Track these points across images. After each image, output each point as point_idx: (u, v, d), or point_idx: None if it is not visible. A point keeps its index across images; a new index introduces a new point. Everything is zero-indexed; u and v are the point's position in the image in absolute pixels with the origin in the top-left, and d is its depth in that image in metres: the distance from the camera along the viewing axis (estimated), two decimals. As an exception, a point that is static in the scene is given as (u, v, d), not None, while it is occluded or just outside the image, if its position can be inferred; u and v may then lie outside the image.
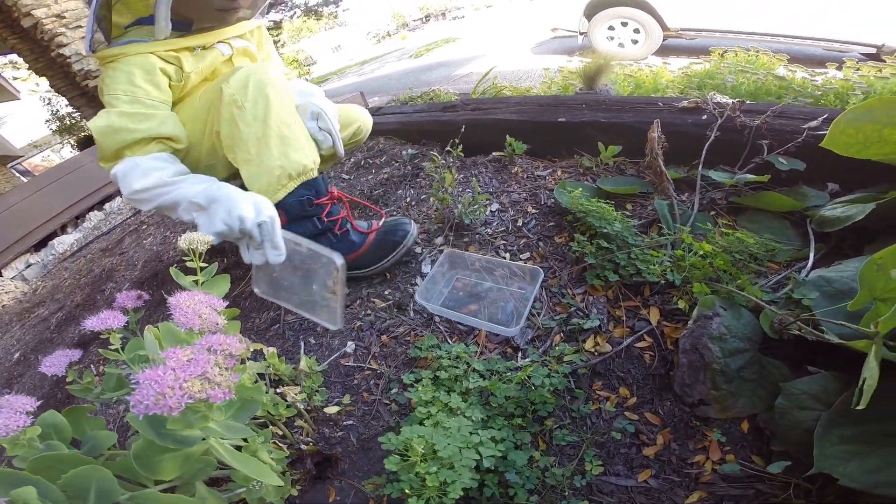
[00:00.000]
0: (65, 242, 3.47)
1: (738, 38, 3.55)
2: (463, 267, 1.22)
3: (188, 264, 0.72)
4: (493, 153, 1.71)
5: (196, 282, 0.73)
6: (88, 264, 2.65)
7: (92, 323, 0.61)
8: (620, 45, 4.33)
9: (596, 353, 0.94)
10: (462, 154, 1.56)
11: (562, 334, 1.00)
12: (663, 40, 4.10)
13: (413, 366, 1.03)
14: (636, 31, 4.24)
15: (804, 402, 0.71)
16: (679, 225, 1.04)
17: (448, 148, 1.55)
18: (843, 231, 0.88)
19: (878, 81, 1.61)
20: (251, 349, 1.04)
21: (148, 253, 2.27)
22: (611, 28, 4.39)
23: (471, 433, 0.75)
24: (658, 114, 1.39)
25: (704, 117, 1.28)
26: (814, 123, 1.11)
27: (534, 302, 1.06)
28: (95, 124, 1.03)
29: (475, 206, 1.35)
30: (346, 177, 2.02)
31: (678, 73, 2.18)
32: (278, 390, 0.97)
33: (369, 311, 1.20)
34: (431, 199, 1.56)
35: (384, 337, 1.12)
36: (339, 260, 0.89)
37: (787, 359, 0.80)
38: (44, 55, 4.40)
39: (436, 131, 1.97)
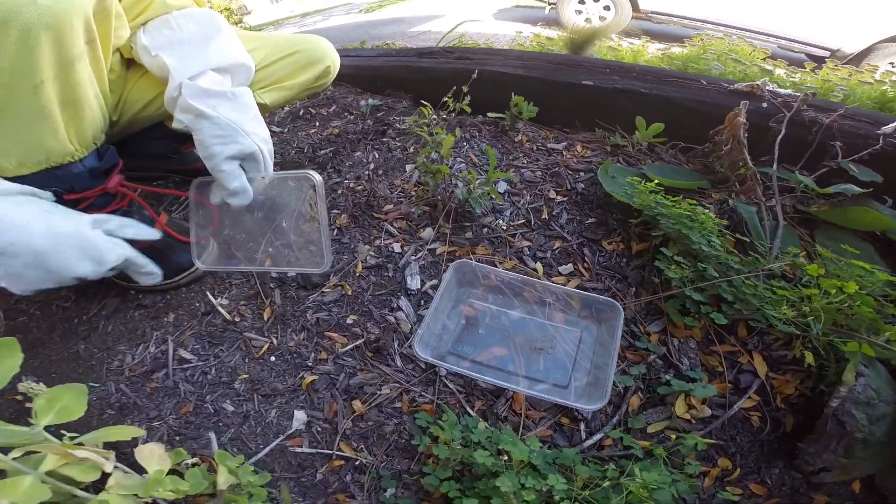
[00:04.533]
0: None
1: (704, 26, 3.56)
2: (476, 285, 0.88)
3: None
4: (489, 114, 1.34)
5: None
6: None
7: None
8: (587, 20, 4.16)
9: (693, 421, 0.71)
10: (456, 112, 1.18)
11: (639, 393, 0.75)
12: (630, 20, 3.99)
13: (415, 458, 0.70)
14: (606, 7, 4.09)
15: None
16: (778, 243, 0.84)
17: (447, 98, 1.15)
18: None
19: (859, 86, 1.60)
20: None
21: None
22: (581, 2, 4.18)
23: None
24: (705, 92, 1.16)
25: (765, 105, 1.08)
26: (889, 129, 0.97)
27: (597, 348, 0.79)
28: None
29: (486, 188, 0.99)
30: (277, 129, 1.48)
31: (657, 55, 2.00)
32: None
33: (324, 356, 0.81)
34: (413, 169, 1.16)
35: (357, 402, 0.75)
36: (316, 178, 0.76)
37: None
38: None
39: (407, 80, 1.52)
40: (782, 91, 1.11)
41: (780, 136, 0.99)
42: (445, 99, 1.15)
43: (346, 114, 1.49)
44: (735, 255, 0.79)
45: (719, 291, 0.74)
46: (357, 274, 0.93)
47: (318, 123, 1.47)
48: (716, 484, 0.67)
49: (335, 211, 1.07)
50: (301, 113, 1.54)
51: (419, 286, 0.89)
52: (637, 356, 0.78)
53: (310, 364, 0.80)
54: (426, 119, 1.17)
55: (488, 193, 0.99)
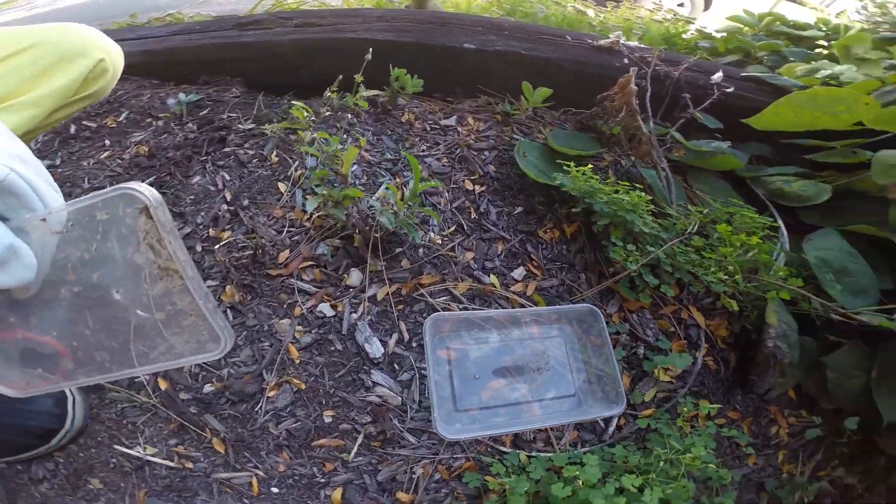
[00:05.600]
0: None
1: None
2: (457, 336, 0.77)
3: None
4: (363, 93, 1.11)
5: None
6: None
7: None
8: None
9: (672, 381, 0.81)
10: (358, 102, 0.95)
11: (626, 373, 0.81)
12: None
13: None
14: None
15: (851, 372, 0.81)
16: (684, 205, 0.94)
17: (331, 91, 0.90)
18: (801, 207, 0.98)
19: (654, 24, 1.85)
20: None
21: None
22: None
23: None
24: (576, 51, 1.16)
25: (626, 61, 1.14)
26: (717, 78, 1.15)
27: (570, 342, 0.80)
28: None
29: (413, 204, 0.84)
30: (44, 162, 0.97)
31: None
32: None
33: (332, 466, 0.65)
34: (293, 188, 0.90)
35: (401, 494, 0.64)
36: (144, 192, 0.37)
37: (806, 334, 0.89)
38: None
39: (230, 61, 1.14)
40: (632, 44, 1.20)
41: (649, 94, 1.08)
42: (329, 93, 0.90)
43: (148, 120, 1.05)
44: (658, 222, 0.87)
45: (660, 263, 0.81)
46: (297, 361, 0.72)
47: (107, 142, 1.01)
48: (706, 421, 0.80)
49: (210, 283, 0.78)
50: (73, 131, 1.03)
51: (382, 349, 0.75)
52: (612, 339, 0.83)
53: (323, 480, 0.63)
54: (300, 118, 0.90)
55: (415, 211, 0.84)
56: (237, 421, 0.66)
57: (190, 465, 0.63)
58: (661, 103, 1.15)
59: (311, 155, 0.95)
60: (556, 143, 1.01)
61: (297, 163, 0.97)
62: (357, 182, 0.95)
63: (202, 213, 0.85)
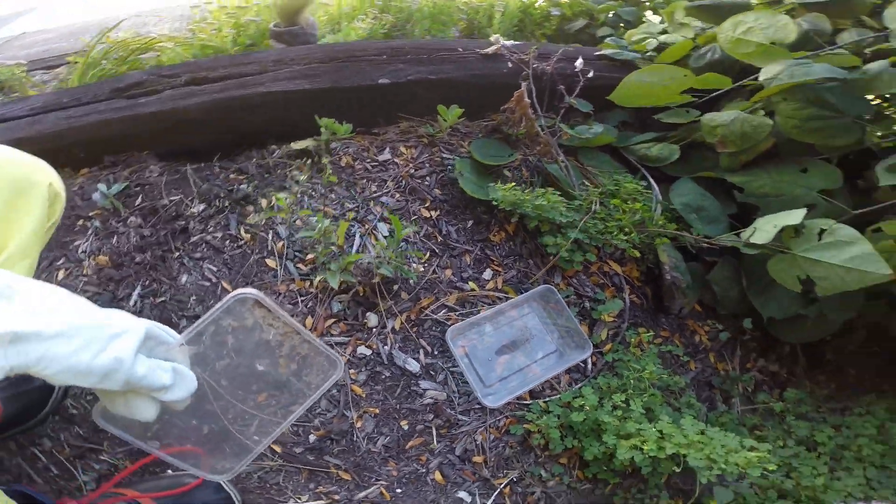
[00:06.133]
0: None
1: None
2: (466, 336, 0.98)
3: None
4: (291, 145, 1.17)
5: None
6: None
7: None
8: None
9: (615, 319, 1.13)
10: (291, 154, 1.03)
11: (583, 323, 1.11)
12: None
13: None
14: None
15: (729, 284, 1.19)
16: (584, 184, 1.22)
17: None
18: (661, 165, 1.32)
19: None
20: None
21: None
22: None
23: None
24: (471, 63, 1.33)
25: (510, 65, 1.34)
26: (578, 65, 1.41)
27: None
28: None
29: (397, 250, 1.00)
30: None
31: None
32: None
33: (414, 461, 0.85)
34: (284, 261, 1.00)
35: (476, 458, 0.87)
36: (250, 292, 0.50)
37: (691, 261, 1.25)
38: None
39: (133, 136, 1.08)
40: (509, 44, 1.39)
41: (534, 94, 1.31)
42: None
43: (80, 223, 1.02)
44: (570, 207, 1.14)
45: (579, 238, 1.10)
46: (363, 395, 0.89)
47: (56, 262, 0.96)
48: (648, 345, 1.12)
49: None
50: None
51: (418, 363, 0.94)
52: (566, 302, 1.11)
53: (424, 470, 0.89)
54: (291, 188, 0.98)
55: (402, 253, 1.01)
56: (347, 452, 0.83)
57: (336, 496, 0.80)
58: (544, 96, 1.40)
59: (283, 224, 1.04)
60: (479, 156, 1.21)
61: (270, 234, 1.04)
62: (334, 240, 1.06)
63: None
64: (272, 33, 1.60)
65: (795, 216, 1.04)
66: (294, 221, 1.06)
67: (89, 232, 1.02)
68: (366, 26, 1.70)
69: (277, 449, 0.82)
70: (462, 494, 0.86)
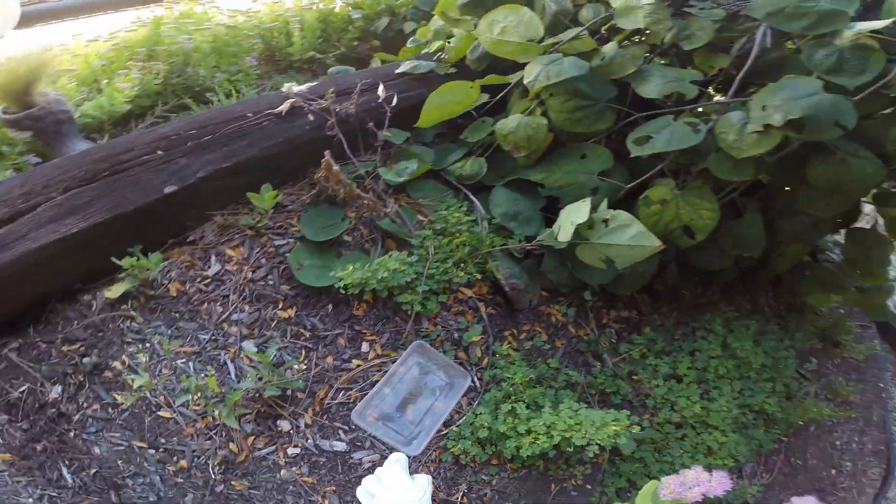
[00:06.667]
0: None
1: None
2: (374, 407, 1.12)
3: None
4: (105, 294, 1.02)
5: None
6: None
7: None
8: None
9: (483, 335, 1.31)
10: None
11: (462, 352, 1.27)
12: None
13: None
14: None
15: (558, 269, 1.39)
16: (417, 233, 1.30)
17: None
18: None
19: (305, 11, 1.77)
20: None
21: None
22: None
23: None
24: (267, 130, 1.22)
25: (312, 118, 1.27)
26: (381, 93, 1.39)
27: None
28: None
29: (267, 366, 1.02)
30: None
31: (109, 48, 1.42)
32: None
33: None
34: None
35: None
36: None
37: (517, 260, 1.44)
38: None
39: None
40: (304, 89, 1.30)
41: (347, 142, 1.29)
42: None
43: None
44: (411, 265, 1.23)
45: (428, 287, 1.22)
46: (312, 483, 0.97)
47: None
48: (514, 352, 1.33)
49: None
50: None
51: (343, 442, 1.06)
52: (435, 343, 1.26)
53: None
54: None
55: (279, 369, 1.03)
56: None
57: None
58: (357, 140, 1.38)
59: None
60: (311, 234, 1.21)
61: (148, 392, 0.99)
62: (207, 373, 1.03)
63: (146, 464, 0.95)
64: (5, 122, 1.26)
65: (583, 212, 1.26)
66: (160, 372, 1.00)
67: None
68: (132, 83, 1.40)
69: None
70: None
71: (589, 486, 1.20)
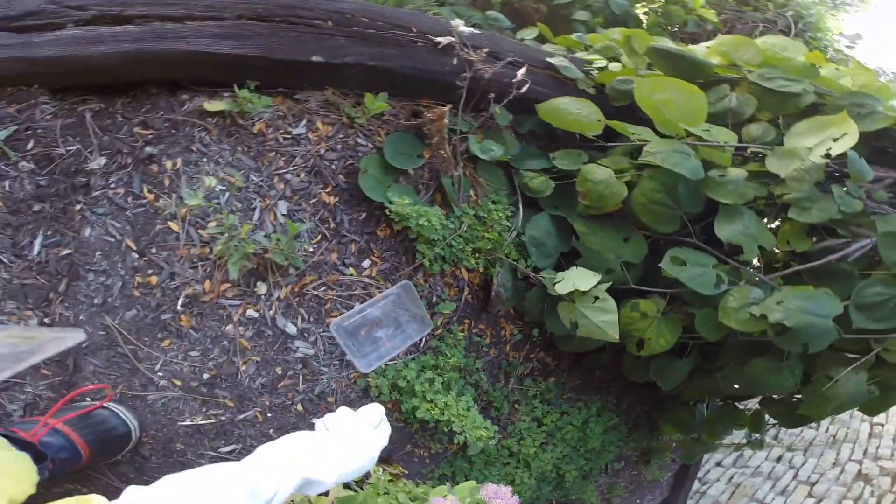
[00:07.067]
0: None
1: None
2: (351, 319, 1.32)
3: None
4: (203, 105, 1.13)
5: None
6: None
7: None
8: None
9: (454, 314, 1.54)
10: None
11: (430, 312, 1.50)
12: None
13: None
14: None
15: (537, 303, 1.63)
16: (463, 205, 1.44)
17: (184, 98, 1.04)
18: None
19: None
20: None
21: None
22: None
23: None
24: (418, 53, 1.27)
25: (455, 62, 1.31)
26: (520, 75, 1.43)
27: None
28: None
29: (289, 237, 1.20)
30: None
31: None
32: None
33: (286, 396, 1.26)
34: (190, 228, 1.13)
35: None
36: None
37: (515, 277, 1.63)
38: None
39: (27, 75, 0.97)
40: (466, 32, 1.33)
41: (465, 97, 1.36)
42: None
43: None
44: (446, 226, 1.39)
45: (443, 254, 1.41)
46: (249, 346, 1.23)
47: None
48: (464, 338, 1.58)
49: (165, 315, 1.13)
50: None
51: (296, 327, 1.28)
52: (420, 295, 1.48)
53: (290, 403, 1.29)
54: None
55: (293, 242, 1.22)
56: (233, 387, 1.21)
57: (222, 417, 1.21)
58: (474, 98, 1.44)
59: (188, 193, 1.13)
60: (388, 155, 1.33)
61: (174, 197, 1.14)
62: (235, 209, 1.20)
63: (119, 265, 1.09)
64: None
65: (588, 283, 1.47)
66: (197, 187, 1.15)
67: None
68: None
69: (178, 383, 1.16)
70: (315, 421, 1.33)
71: (429, 461, 1.55)
